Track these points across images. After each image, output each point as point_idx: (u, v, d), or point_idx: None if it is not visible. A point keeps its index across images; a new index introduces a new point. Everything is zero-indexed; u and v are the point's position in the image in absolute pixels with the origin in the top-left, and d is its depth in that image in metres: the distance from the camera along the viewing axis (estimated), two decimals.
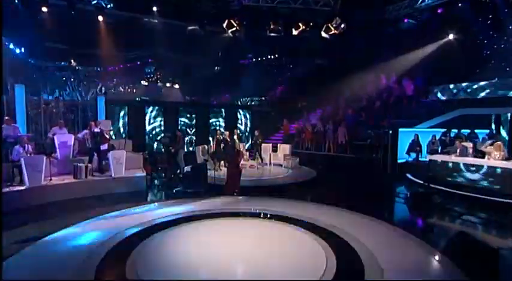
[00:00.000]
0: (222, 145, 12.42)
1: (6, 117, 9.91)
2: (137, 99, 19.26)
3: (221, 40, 19.68)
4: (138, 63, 21.87)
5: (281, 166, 13.72)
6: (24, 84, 11.39)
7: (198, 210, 7.67)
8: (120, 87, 20.93)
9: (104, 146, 10.61)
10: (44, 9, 13.59)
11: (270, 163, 13.95)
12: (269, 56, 24.27)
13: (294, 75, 22.81)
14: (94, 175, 9.87)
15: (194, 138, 16.26)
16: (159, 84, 22.11)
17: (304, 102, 19.10)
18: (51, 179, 9.10)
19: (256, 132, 14.19)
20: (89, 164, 9.64)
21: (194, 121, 16.34)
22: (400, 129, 12.83)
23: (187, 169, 10.59)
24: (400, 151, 12.80)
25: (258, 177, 11.76)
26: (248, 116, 18.08)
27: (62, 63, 21.22)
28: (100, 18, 14.81)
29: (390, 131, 12.86)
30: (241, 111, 18.02)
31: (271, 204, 8.22)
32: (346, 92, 18.18)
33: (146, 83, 21.67)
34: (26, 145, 9.04)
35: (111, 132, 12.10)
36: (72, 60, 21.12)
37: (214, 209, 7.83)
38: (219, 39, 19.56)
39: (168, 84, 22.37)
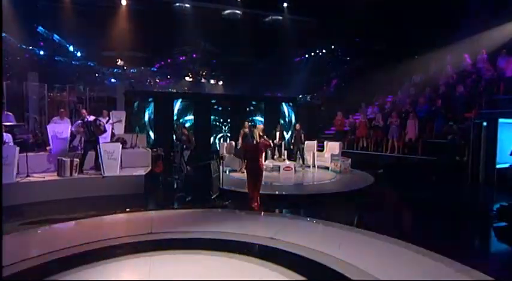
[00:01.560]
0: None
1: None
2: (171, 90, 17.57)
3: (272, 36, 17.38)
4: (183, 58, 20.37)
5: (328, 169, 10.39)
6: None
7: (154, 232, 4.86)
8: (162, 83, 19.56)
9: (106, 139, 8.54)
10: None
11: (314, 165, 10.69)
12: (323, 50, 21.14)
13: (351, 66, 19.23)
14: (87, 172, 7.76)
15: (229, 135, 13.69)
16: (203, 81, 20.16)
17: (361, 93, 15.32)
18: (27, 176, 7.15)
19: (297, 126, 11.03)
20: (75, 159, 7.53)
21: (229, 116, 13.79)
22: (501, 120, 8.63)
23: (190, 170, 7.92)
24: (500, 152, 8.59)
25: (293, 183, 8.62)
26: (293, 111, 14.98)
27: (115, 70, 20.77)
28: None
29: (485, 123, 8.73)
30: (285, 105, 14.98)
31: (277, 227, 5.11)
32: (416, 78, 14.03)
33: (190, 79, 19.89)
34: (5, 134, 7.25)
35: (120, 124, 10.02)
36: (119, 60, 20.40)
37: (175, 230, 5.02)
38: (269, 36, 17.28)
39: (212, 81, 20.33)
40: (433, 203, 7.41)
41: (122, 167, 8.49)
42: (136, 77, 20.91)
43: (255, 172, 6.39)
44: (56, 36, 17.74)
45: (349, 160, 10.13)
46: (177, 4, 13.84)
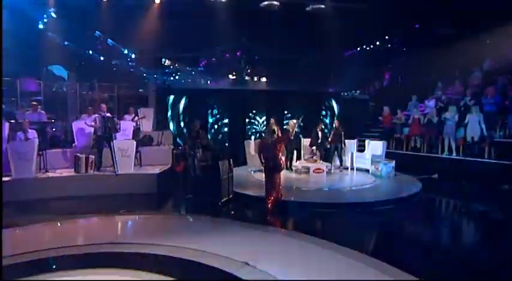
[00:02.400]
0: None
1: (33, 103, 8.58)
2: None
3: (316, 27, 16.06)
4: (227, 56, 19.95)
5: (368, 171, 8.89)
6: None
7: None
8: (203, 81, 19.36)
9: (127, 135, 8.26)
10: None
11: (353, 167, 9.25)
12: (376, 42, 19.04)
13: (408, 57, 16.91)
14: (105, 169, 7.51)
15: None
16: (247, 78, 19.47)
17: (417, 86, 13.18)
18: (46, 171, 7.10)
19: (335, 123, 9.66)
20: (90, 156, 7.31)
21: (265, 113, 12.87)
22: None
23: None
24: None
25: (319, 188, 7.38)
26: (337, 106, 13.50)
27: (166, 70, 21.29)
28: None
29: None
30: (327, 101, 13.57)
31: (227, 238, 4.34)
32: (486, 65, 11.54)
33: (234, 77, 19.37)
34: (28, 130, 7.30)
35: (147, 122, 9.72)
36: (166, 61, 20.77)
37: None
38: (313, 27, 15.98)
39: (255, 78, 19.54)
40: (503, 221, 5.67)
41: (141, 164, 8.19)
42: (187, 77, 21.15)
43: (271, 170, 5.90)
44: (110, 41, 18.59)
45: (393, 162, 8.50)
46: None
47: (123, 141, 7.53)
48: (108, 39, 18.57)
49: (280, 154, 6.07)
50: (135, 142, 7.55)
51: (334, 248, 3.92)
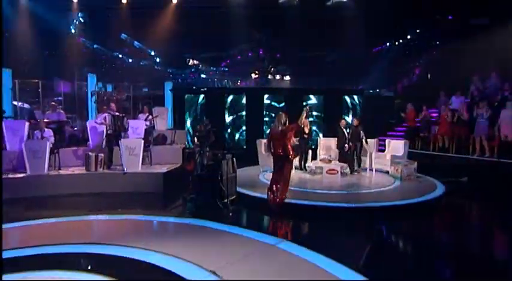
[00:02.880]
0: None
1: (52, 103, 8.88)
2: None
3: (339, 23, 15.39)
4: (250, 54, 19.77)
5: (388, 173, 8.22)
6: None
7: None
8: (227, 81, 19.35)
9: (138, 134, 8.28)
10: None
11: (372, 168, 8.61)
12: (407, 36, 17.91)
13: (439, 51, 15.70)
14: (116, 168, 7.55)
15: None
16: (270, 77, 19.16)
17: (448, 82, 12.11)
18: (59, 169, 7.27)
19: (354, 122, 9.01)
20: (100, 154, 7.37)
21: (283, 111, 12.42)
22: None
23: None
24: None
25: (331, 190, 6.87)
26: (359, 104, 12.77)
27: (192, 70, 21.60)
28: None
29: None
30: (347, 97, 12.87)
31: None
32: None
33: (256, 76, 19.15)
34: (44, 130, 7.52)
35: (162, 120, 9.71)
36: (191, 60, 21.01)
37: None
38: (336, 23, 15.34)
39: (278, 77, 19.19)
40: None
41: (151, 163, 8.17)
42: (213, 76, 21.31)
43: (280, 160, 5.75)
44: (136, 43, 19.10)
45: (415, 163, 7.77)
46: None
47: (131, 140, 7.54)
48: (135, 42, 19.12)
49: (290, 145, 5.83)
50: (142, 141, 7.53)
51: (321, 262, 3.51)
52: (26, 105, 8.90)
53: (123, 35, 17.56)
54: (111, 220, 5.25)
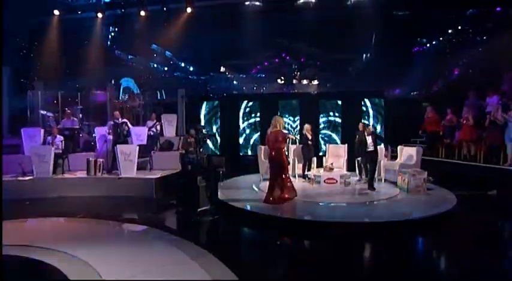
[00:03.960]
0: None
1: (67, 111, 9.52)
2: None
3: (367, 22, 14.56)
4: (277, 60, 19.51)
5: (396, 183, 7.36)
6: None
7: None
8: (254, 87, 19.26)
9: (141, 140, 8.52)
10: None
11: (381, 178, 7.79)
12: (449, 31, 16.29)
13: (484, 47, 13.96)
14: (115, 173, 7.81)
15: (297, 137, 11.87)
16: (294, 81, 18.69)
17: (489, 80, 10.63)
18: (63, 173, 7.72)
19: (360, 126, 8.25)
20: (99, 159, 7.67)
21: (298, 116, 11.96)
22: None
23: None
24: None
25: (322, 201, 6.27)
26: (381, 108, 11.82)
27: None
28: None
29: None
30: (368, 101, 11.98)
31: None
32: None
33: (282, 82, 18.81)
34: (56, 136, 8.07)
35: (171, 127, 9.88)
36: (221, 67, 21.37)
37: None
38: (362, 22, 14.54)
39: (305, 81, 18.61)
40: None
41: (151, 168, 8.32)
42: (240, 83, 21.47)
43: (272, 163, 6.10)
44: (168, 53, 19.95)
45: (425, 173, 6.85)
46: (248, 3, 13.03)
47: (126, 145, 7.75)
48: (166, 52, 19.99)
49: (284, 149, 6.15)
50: (137, 147, 7.69)
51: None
52: (49, 114, 9.67)
53: (154, 46, 18.44)
54: (63, 223, 5.51)
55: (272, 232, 5.05)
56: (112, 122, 8.03)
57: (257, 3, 13.09)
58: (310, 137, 8.20)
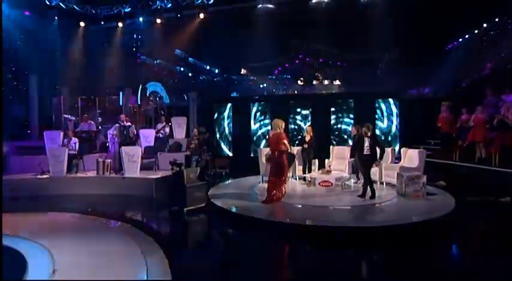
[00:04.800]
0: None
1: (85, 115, 10.28)
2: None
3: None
4: (297, 62, 19.38)
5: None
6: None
7: None
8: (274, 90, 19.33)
9: (149, 142, 9.01)
10: None
11: (382, 181, 7.51)
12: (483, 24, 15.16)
13: None
14: (122, 173, 8.32)
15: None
16: (315, 82, 18.46)
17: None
18: (76, 172, 8.39)
19: (353, 130, 7.98)
20: (106, 160, 8.22)
21: (310, 118, 11.80)
22: None
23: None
24: None
25: (310, 204, 6.22)
26: (396, 109, 11.30)
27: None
28: None
29: None
30: (382, 102, 11.51)
31: None
32: None
33: (302, 83, 18.68)
34: (71, 138, 8.79)
35: (181, 129, 10.27)
36: (242, 69, 21.70)
37: None
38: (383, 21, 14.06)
39: (326, 82, 18.32)
40: None
41: (157, 169, 8.75)
42: (263, 85, 21.69)
43: (272, 164, 6.33)
44: (190, 58, 20.66)
45: (424, 177, 6.50)
46: (260, 6, 13.12)
47: (130, 147, 8.21)
48: (189, 58, 20.73)
49: (283, 151, 6.24)
50: (140, 148, 8.14)
51: None
52: (72, 117, 10.53)
53: (177, 51, 19.19)
54: (53, 216, 6.09)
55: (233, 229, 5.39)
56: (118, 125, 8.57)
57: (270, 5, 13.17)
58: (307, 139, 8.13)
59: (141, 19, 12.95)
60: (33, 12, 11.54)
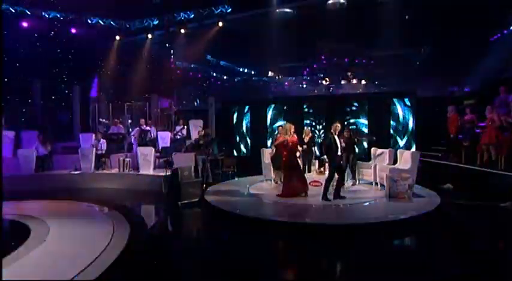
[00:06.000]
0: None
1: (115, 120, 11.70)
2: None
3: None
4: (325, 62, 19.36)
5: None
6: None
7: None
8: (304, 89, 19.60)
9: (165, 143, 10.10)
10: None
11: (377, 182, 7.60)
12: None
13: None
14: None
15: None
16: (343, 82, 18.34)
17: None
18: (103, 169, 9.71)
19: (346, 133, 7.91)
20: (126, 159, 9.40)
21: (324, 119, 11.98)
22: None
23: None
24: None
25: (298, 203, 6.65)
26: (410, 110, 10.99)
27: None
28: None
29: None
30: (397, 102, 11.24)
31: None
32: None
33: (327, 83, 18.67)
34: (100, 139, 10.18)
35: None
36: (270, 72, 22.23)
37: None
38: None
39: (354, 81, 18.12)
40: None
41: (172, 167, 9.72)
42: (292, 86, 22.06)
43: (286, 164, 7.00)
44: (222, 62, 21.73)
45: (409, 178, 6.51)
46: (278, 11, 13.53)
47: (145, 148, 9.28)
48: (221, 61, 21.82)
49: (285, 153, 6.94)
50: (153, 149, 9.18)
51: None
52: (105, 121, 12.07)
53: (209, 57, 20.35)
54: (66, 203, 7.37)
55: (207, 218, 6.25)
56: (138, 128, 9.74)
57: (288, 10, 13.57)
58: (306, 141, 8.48)
59: (167, 30, 14.19)
60: (78, 30, 13.37)
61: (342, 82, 18.33)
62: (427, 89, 14.05)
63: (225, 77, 23.47)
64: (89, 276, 3.57)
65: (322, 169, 8.04)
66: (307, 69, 21.01)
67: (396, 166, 7.51)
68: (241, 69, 23.52)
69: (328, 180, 6.50)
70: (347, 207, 6.20)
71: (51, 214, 6.15)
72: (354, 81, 18.25)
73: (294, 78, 21.95)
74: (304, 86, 20.57)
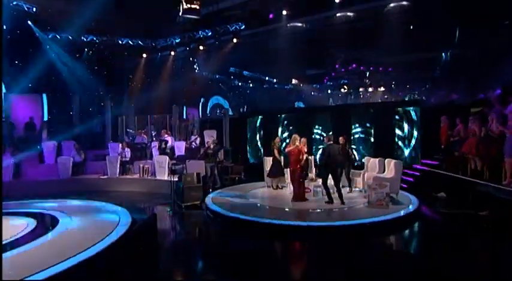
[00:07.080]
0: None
1: (139, 130, 13.20)
2: None
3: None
4: (343, 70, 19.77)
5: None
6: None
7: None
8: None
9: (180, 152, 11.36)
10: None
11: (365, 189, 8.15)
12: None
13: None
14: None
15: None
16: (361, 89, 18.68)
17: None
18: (126, 174, 11.17)
19: (340, 141, 8.46)
20: (145, 166, 10.75)
21: (331, 128, 12.52)
22: None
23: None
24: None
25: (283, 207, 7.49)
26: (415, 118, 11.22)
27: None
28: None
29: None
30: (402, 111, 11.51)
31: None
32: None
33: (345, 91, 19.11)
34: (125, 148, 11.68)
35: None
36: (293, 80, 23.07)
37: None
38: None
39: (370, 89, 18.39)
40: None
41: (186, 173, 10.91)
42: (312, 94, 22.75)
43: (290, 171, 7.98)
44: (245, 72, 22.92)
45: (387, 186, 7.04)
46: (289, 25, 14.30)
47: (161, 156, 10.59)
48: (244, 71, 23.00)
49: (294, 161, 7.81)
50: (167, 157, 10.44)
51: None
52: (131, 131, 13.66)
53: (232, 69, 21.60)
54: (86, 202, 8.74)
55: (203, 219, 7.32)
56: (160, 139, 11.12)
57: (299, 24, 14.34)
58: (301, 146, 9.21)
59: (187, 48, 15.64)
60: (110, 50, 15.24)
61: (360, 90, 18.73)
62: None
63: (251, 85, 24.66)
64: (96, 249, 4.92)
65: (314, 176, 8.76)
66: (327, 78, 21.59)
67: (383, 174, 8.04)
68: (267, 78, 24.49)
69: (324, 183, 7.45)
70: (322, 211, 6.95)
71: (75, 210, 7.63)
72: (370, 89, 18.57)
73: (318, 85, 22.51)
74: (320, 94, 21.20)
